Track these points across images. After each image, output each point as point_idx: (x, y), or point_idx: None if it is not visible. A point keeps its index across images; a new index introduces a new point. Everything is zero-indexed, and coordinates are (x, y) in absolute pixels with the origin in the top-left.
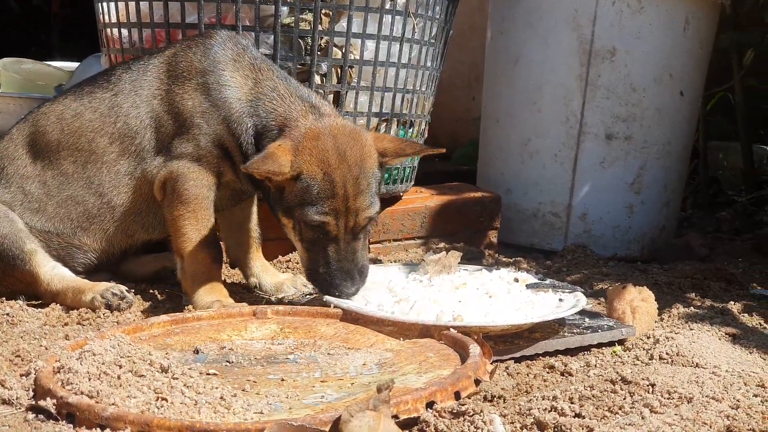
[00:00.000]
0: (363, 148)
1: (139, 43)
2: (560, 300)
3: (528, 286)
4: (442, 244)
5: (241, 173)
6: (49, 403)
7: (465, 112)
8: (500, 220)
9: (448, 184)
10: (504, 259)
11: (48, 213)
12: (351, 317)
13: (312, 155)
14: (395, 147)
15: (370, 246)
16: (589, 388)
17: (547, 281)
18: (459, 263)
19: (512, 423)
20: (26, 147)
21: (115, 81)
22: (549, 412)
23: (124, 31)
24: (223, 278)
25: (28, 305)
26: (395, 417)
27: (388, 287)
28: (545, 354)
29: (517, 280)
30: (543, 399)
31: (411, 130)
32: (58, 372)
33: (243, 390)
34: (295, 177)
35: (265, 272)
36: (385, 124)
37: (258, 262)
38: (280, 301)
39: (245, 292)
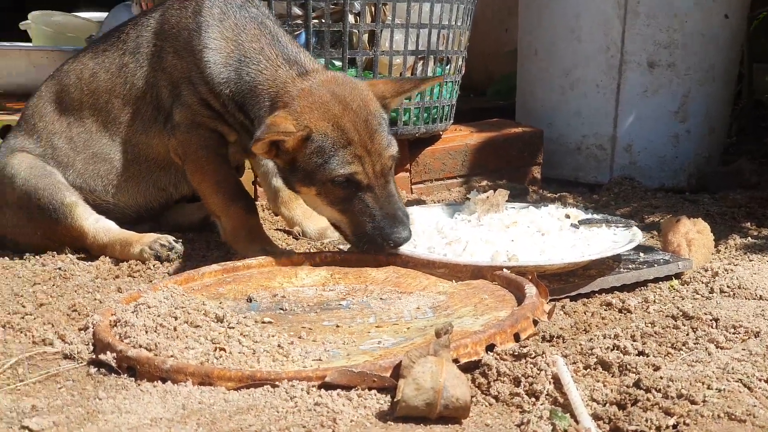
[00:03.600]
0: (361, 92)
1: None
2: (614, 235)
3: (580, 222)
4: (484, 182)
5: (242, 133)
6: (109, 357)
7: (498, 45)
8: (543, 155)
9: (488, 121)
10: (549, 195)
11: (77, 168)
12: (401, 261)
13: (314, 111)
14: (392, 87)
15: (413, 187)
16: (650, 325)
17: (600, 216)
18: (505, 201)
19: (574, 363)
20: (53, 104)
21: (124, 39)
22: (612, 350)
23: None
24: (266, 226)
25: (78, 258)
26: (456, 361)
27: (436, 228)
28: (601, 291)
29: (568, 216)
30: (604, 337)
31: (448, 66)
32: (115, 325)
33: (299, 337)
34: (305, 138)
35: (307, 218)
36: (421, 62)
37: (299, 210)
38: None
39: (291, 239)
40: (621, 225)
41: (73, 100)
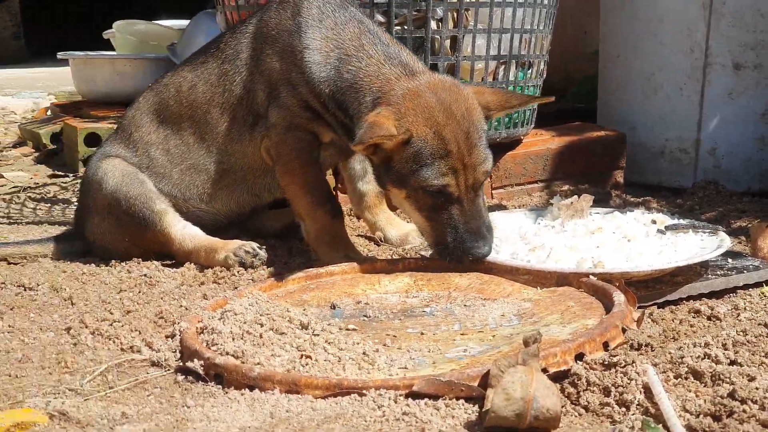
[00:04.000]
0: (467, 101)
1: None
2: (702, 241)
3: (667, 228)
4: (566, 187)
5: (340, 131)
6: (196, 365)
7: (577, 48)
8: (625, 159)
9: (569, 124)
10: (632, 200)
11: (174, 179)
12: (484, 267)
13: (417, 115)
14: (499, 99)
15: (493, 192)
16: (741, 333)
17: (686, 221)
18: (590, 206)
19: (665, 372)
20: (151, 116)
21: (223, 48)
22: (703, 359)
23: None
24: (349, 232)
25: (163, 265)
26: (544, 370)
27: (519, 234)
28: (689, 298)
29: (654, 222)
30: (694, 346)
31: (530, 71)
32: (202, 332)
33: (384, 345)
34: (405, 142)
35: (390, 224)
36: (503, 66)
37: (382, 215)
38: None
39: (372, 245)
40: (708, 230)
41: (171, 113)
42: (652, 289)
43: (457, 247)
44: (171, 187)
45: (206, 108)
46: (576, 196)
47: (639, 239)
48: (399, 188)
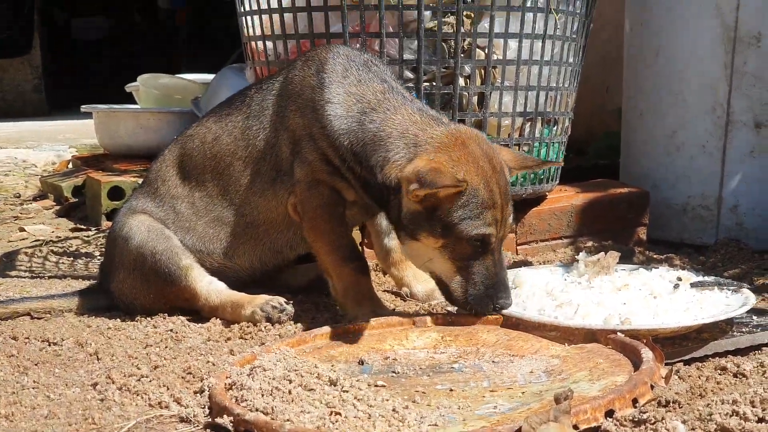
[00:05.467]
0: (498, 155)
1: (285, 54)
2: (726, 298)
3: (692, 285)
4: (590, 243)
5: (358, 187)
6: (226, 421)
7: (599, 105)
8: (648, 216)
9: (593, 181)
10: (655, 257)
11: (198, 232)
12: (511, 323)
13: (469, 164)
14: (515, 159)
15: (518, 248)
16: None
17: (711, 279)
18: (616, 263)
19: (693, 430)
20: (176, 168)
21: (248, 102)
22: (731, 416)
23: (269, 44)
24: (375, 287)
25: (188, 320)
26: (575, 427)
27: (546, 290)
28: (714, 355)
29: (680, 279)
30: (722, 403)
31: (555, 128)
32: (231, 388)
33: (413, 401)
34: (459, 192)
35: (416, 279)
36: (529, 123)
37: (408, 271)
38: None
39: (399, 300)
40: (732, 288)
41: (195, 165)
42: (678, 345)
43: (487, 296)
44: (195, 241)
45: (229, 160)
46: (602, 253)
47: (665, 296)
48: (436, 237)
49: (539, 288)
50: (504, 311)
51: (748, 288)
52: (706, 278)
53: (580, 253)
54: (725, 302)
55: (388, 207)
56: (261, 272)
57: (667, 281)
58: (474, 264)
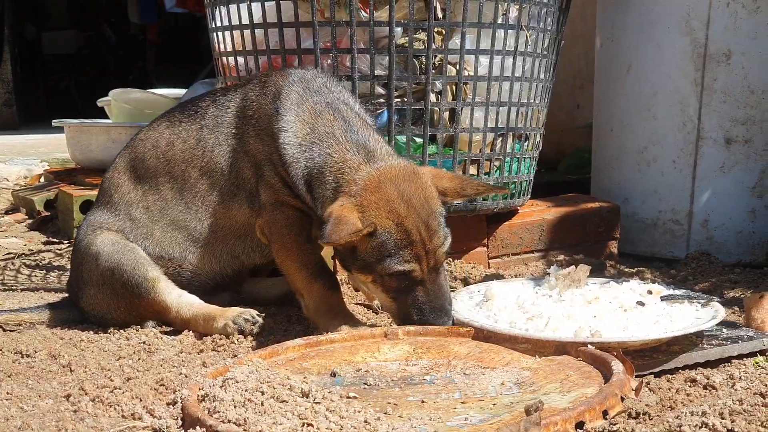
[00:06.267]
0: (425, 189)
1: (256, 70)
2: (697, 311)
3: (662, 298)
4: (561, 257)
5: (311, 213)
6: None
7: (570, 121)
8: (619, 230)
9: (564, 196)
10: (626, 270)
11: (156, 237)
12: (483, 335)
13: (380, 208)
14: (455, 186)
15: (490, 261)
16: (737, 402)
17: (682, 292)
18: (587, 276)
19: None
20: (128, 173)
21: (202, 114)
22: (701, 428)
23: (240, 59)
24: (347, 300)
25: (161, 332)
26: None
27: (517, 303)
28: (684, 367)
29: (650, 293)
30: (692, 415)
31: (526, 143)
32: (203, 400)
33: (385, 413)
34: (370, 234)
35: None
36: (500, 138)
37: None
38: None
39: (371, 313)
40: (702, 301)
41: (148, 168)
42: (648, 358)
43: (422, 323)
44: (155, 246)
45: (184, 167)
46: (573, 266)
47: (635, 309)
48: (365, 274)
49: (510, 301)
50: (476, 324)
51: (717, 301)
52: (676, 292)
53: (552, 267)
54: (695, 315)
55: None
56: (222, 277)
57: (638, 294)
58: (405, 296)
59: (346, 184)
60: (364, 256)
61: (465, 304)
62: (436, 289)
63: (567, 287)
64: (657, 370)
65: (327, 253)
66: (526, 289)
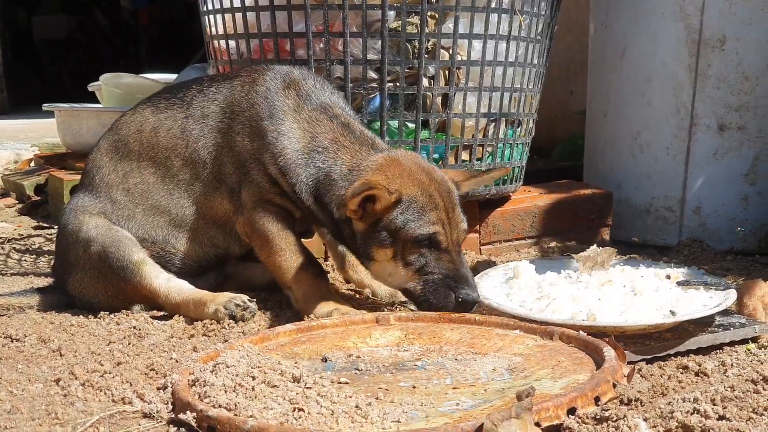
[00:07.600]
0: (439, 170)
1: (247, 53)
2: (710, 298)
3: (679, 284)
4: (553, 243)
5: (306, 214)
6: (189, 417)
7: (563, 107)
8: (612, 217)
9: (557, 182)
10: (618, 257)
11: (138, 220)
12: (474, 320)
13: (404, 177)
14: (462, 174)
15: (481, 248)
16: (729, 389)
17: (701, 278)
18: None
19: (655, 427)
20: (111, 154)
21: (188, 102)
22: (692, 414)
23: (232, 43)
24: (338, 286)
25: (152, 317)
26: (537, 425)
27: (537, 282)
28: (677, 354)
29: (669, 277)
30: (683, 401)
31: (519, 129)
32: (194, 385)
33: (376, 398)
34: (396, 202)
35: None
36: (493, 124)
37: (366, 273)
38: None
39: (361, 300)
40: (721, 287)
41: (131, 151)
42: (641, 344)
43: (447, 289)
44: (138, 228)
45: (167, 154)
46: (595, 247)
47: (646, 293)
48: (386, 248)
49: (534, 281)
50: (484, 302)
51: (734, 289)
52: (696, 278)
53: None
54: (704, 302)
55: (345, 238)
56: (205, 261)
57: (657, 278)
58: (428, 265)
59: (362, 169)
60: (388, 224)
61: (495, 280)
62: (460, 261)
63: (590, 269)
64: (649, 357)
65: (317, 239)
66: (553, 270)
